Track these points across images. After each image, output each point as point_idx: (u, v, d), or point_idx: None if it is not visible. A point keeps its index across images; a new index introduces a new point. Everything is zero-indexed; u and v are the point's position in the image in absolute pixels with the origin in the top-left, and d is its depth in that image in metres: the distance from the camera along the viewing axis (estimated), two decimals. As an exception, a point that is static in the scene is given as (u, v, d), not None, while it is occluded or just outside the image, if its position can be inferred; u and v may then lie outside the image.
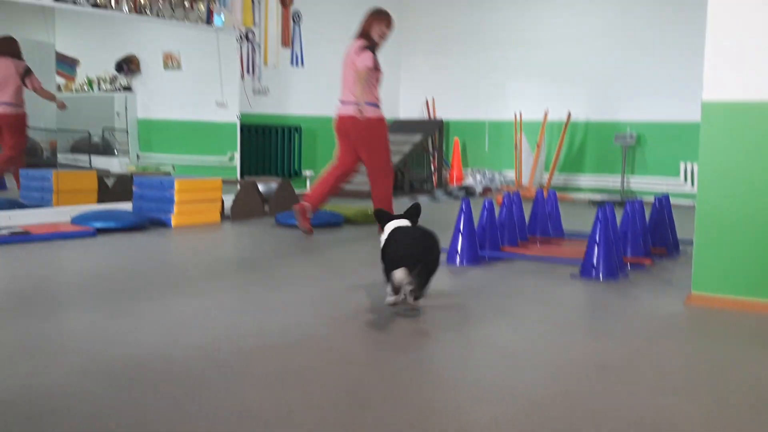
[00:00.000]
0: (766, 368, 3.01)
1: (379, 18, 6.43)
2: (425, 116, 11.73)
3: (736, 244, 3.98)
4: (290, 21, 10.00)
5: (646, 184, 10.04)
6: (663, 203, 5.70)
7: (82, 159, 8.29)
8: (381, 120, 6.39)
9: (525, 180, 10.40)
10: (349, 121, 6.28)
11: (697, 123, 4.12)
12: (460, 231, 5.15)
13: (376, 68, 6.28)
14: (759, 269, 3.93)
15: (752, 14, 3.87)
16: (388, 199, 6.36)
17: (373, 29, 6.38)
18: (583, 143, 10.54)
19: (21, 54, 7.47)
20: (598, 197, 10.04)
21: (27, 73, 7.49)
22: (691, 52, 8.85)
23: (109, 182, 8.05)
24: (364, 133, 6.30)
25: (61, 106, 7.75)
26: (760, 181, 3.90)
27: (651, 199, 5.98)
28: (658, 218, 5.65)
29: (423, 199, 9.92)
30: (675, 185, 9.82)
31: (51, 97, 7.66)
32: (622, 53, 10.15)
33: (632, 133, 9.96)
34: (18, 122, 7.65)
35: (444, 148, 11.53)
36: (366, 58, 6.20)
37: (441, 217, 8.07)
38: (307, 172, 10.27)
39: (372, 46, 6.35)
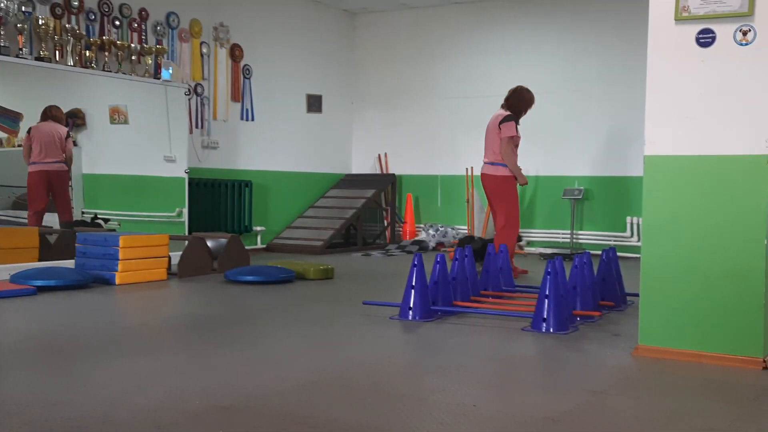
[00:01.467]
0: (712, 419, 3.02)
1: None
2: (378, 171, 11.78)
3: (681, 296, 4.03)
4: (240, 75, 10.02)
5: (594, 238, 10.17)
6: (610, 256, 5.76)
7: (24, 215, 8.13)
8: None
9: (477, 234, 10.46)
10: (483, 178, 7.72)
11: (641, 177, 4.20)
12: (412, 286, 5.13)
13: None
14: (704, 321, 3.97)
15: (690, 73, 3.98)
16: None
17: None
18: (533, 197, 10.66)
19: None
20: (548, 251, 10.13)
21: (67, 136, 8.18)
22: (635, 108, 9.06)
23: (51, 239, 7.89)
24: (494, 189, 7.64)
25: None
26: (702, 233, 3.98)
27: (599, 252, 6.05)
28: (605, 271, 5.70)
29: (376, 254, 9.90)
30: (622, 239, 9.96)
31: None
32: (569, 108, 10.35)
33: (580, 187, 10.12)
34: None
35: (397, 202, 11.57)
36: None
37: (394, 271, 8.06)
38: (257, 228, 10.20)
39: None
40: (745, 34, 3.84)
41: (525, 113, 7.63)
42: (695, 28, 3.94)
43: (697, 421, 3.01)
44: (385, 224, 11.44)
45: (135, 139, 8.88)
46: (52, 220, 8.39)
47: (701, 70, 3.94)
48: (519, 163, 7.61)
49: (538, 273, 6.98)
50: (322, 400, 3.23)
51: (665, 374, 3.78)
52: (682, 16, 3.95)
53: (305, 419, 2.96)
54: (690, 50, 3.96)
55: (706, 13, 3.90)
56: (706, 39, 3.93)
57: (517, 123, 7.44)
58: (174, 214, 8.66)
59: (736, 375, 3.73)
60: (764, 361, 3.86)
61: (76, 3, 7.82)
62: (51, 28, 7.43)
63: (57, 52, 7.51)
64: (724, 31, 3.88)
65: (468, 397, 3.31)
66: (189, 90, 8.90)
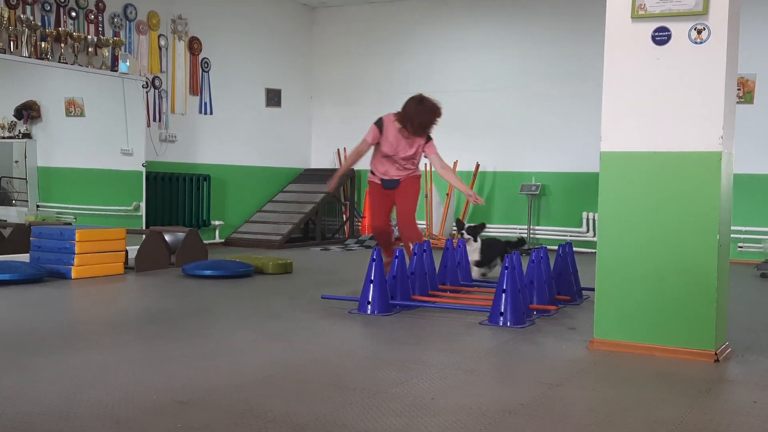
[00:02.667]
0: (665, 410, 3.08)
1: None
2: (337, 165, 11.76)
3: (635, 290, 4.10)
4: (199, 68, 9.94)
5: (550, 233, 10.28)
6: (566, 251, 5.84)
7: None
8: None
9: (435, 229, 10.51)
10: None
11: (597, 173, 4.25)
12: (371, 280, 5.15)
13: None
14: (657, 315, 4.05)
15: (645, 70, 4.04)
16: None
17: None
18: (491, 193, 10.74)
19: None
20: (505, 245, 10.20)
21: None
22: (591, 105, 9.17)
23: (6, 233, 7.75)
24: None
25: None
26: (657, 229, 4.04)
27: (555, 247, 6.12)
28: (561, 266, 5.78)
29: (335, 249, 9.89)
30: (578, 234, 10.08)
31: None
32: (526, 105, 10.44)
33: (537, 183, 10.21)
34: None
35: (356, 197, 11.56)
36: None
37: (353, 266, 8.07)
38: (216, 222, 10.13)
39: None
40: (699, 32, 3.91)
41: (413, 125, 6.16)
42: (651, 26, 4.00)
43: (650, 412, 3.07)
44: (344, 219, 11.44)
45: (91, 132, 8.75)
46: (4, 213, 8.25)
47: (657, 67, 4.01)
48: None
49: (496, 267, 7.05)
50: (280, 394, 3.23)
51: (620, 367, 3.84)
52: (638, 14, 4.01)
53: (262, 413, 2.95)
54: (646, 48, 4.02)
55: (662, 12, 3.96)
56: (661, 37, 3.99)
57: (380, 128, 6.28)
58: (131, 207, 8.57)
59: (688, 367, 3.80)
60: (715, 354, 3.94)
61: (30, -7, 7.70)
62: (5, 19, 7.30)
63: (11, 43, 7.39)
64: (679, 30, 3.95)
65: (425, 390, 3.33)
66: (146, 83, 8.80)
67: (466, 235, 6.97)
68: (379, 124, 6.35)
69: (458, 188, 6.39)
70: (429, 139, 6.32)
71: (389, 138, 6.26)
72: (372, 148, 6.46)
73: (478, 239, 7.05)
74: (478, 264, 6.98)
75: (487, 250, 7.07)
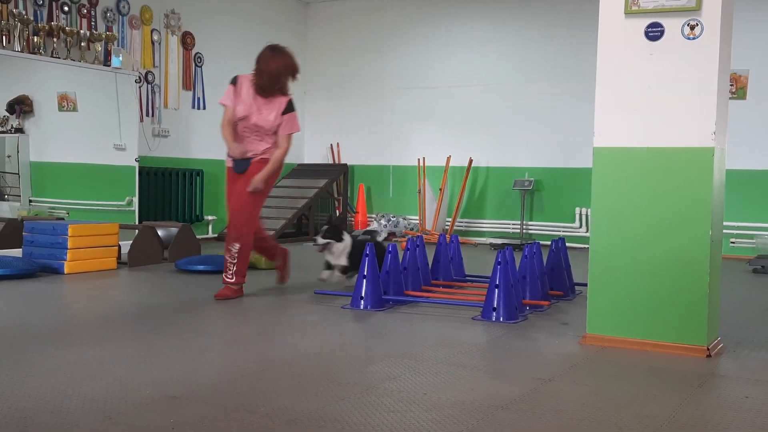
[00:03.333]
0: (657, 405, 3.09)
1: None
2: (330, 161, 11.76)
3: (628, 286, 4.10)
4: (192, 63, 9.91)
5: (543, 229, 10.29)
6: (559, 246, 5.85)
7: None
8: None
9: (428, 224, 10.51)
10: None
11: (590, 169, 4.26)
12: (364, 275, 5.15)
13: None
14: (650, 310, 4.06)
15: (639, 66, 4.04)
16: None
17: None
18: (484, 188, 10.74)
19: None
20: (498, 241, 10.22)
21: None
22: (584, 101, 9.18)
23: (-1, 227, 7.72)
24: None
25: None
26: (649, 224, 4.05)
27: (548, 242, 6.13)
28: (554, 261, 5.78)
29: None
30: (570, 229, 10.09)
31: None
32: (519, 100, 10.44)
33: (530, 178, 10.22)
34: None
35: (349, 192, 11.56)
36: None
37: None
38: (209, 217, 10.11)
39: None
40: (692, 28, 3.92)
41: (263, 77, 5.42)
42: (644, 22, 4.01)
43: (643, 407, 3.08)
44: (337, 214, 11.43)
45: (84, 126, 8.73)
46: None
47: (650, 63, 4.01)
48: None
49: (488, 262, 7.05)
50: (272, 389, 3.23)
51: (612, 362, 3.85)
52: (631, 10, 4.02)
53: (255, 407, 2.95)
54: (639, 44, 4.02)
55: (655, 7, 3.97)
56: (655, 33, 3.99)
57: (235, 85, 5.48)
58: (124, 202, 8.54)
59: (680, 363, 3.81)
60: (708, 350, 3.96)
61: (22, -13, 7.67)
62: (-3, 13, 7.27)
63: (4, 38, 7.35)
64: (672, 25, 3.96)
65: (418, 385, 3.33)
66: (139, 78, 8.77)
67: (321, 240, 5.63)
68: (234, 81, 5.49)
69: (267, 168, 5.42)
70: (291, 109, 5.49)
71: (243, 96, 5.41)
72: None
73: (346, 237, 5.73)
74: (344, 271, 5.70)
75: (358, 252, 5.55)
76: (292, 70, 5.48)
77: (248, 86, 5.43)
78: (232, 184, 5.51)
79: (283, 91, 5.50)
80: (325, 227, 5.71)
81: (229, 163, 5.53)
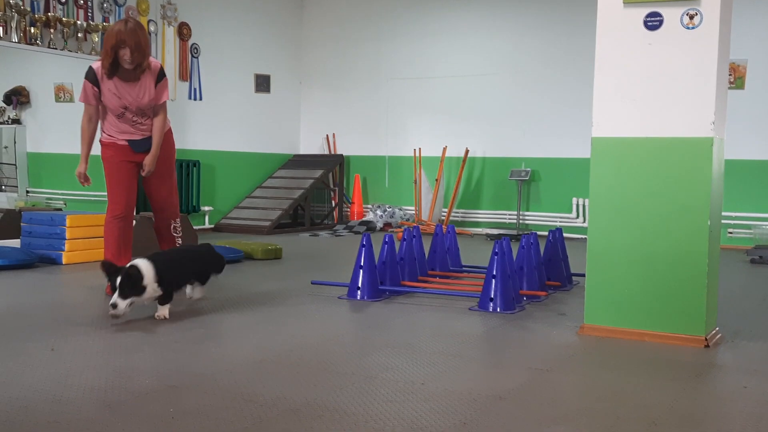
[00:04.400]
0: (655, 395, 3.10)
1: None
2: (326, 151, 11.75)
3: (626, 276, 4.11)
4: (188, 54, 9.89)
5: (540, 219, 10.30)
6: (556, 236, 5.85)
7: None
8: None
9: (425, 215, 10.52)
10: None
11: (587, 159, 4.26)
12: (360, 266, 5.15)
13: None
14: (648, 301, 4.06)
15: (637, 56, 4.04)
16: None
17: None
18: (480, 179, 10.74)
19: None
20: (495, 232, 10.23)
21: None
22: (582, 91, 9.17)
23: (-4, 218, 7.71)
24: None
25: None
26: (647, 215, 4.06)
27: (545, 233, 6.13)
28: (552, 252, 5.79)
29: (324, 235, 9.89)
30: (568, 220, 10.10)
31: None
32: (515, 91, 10.43)
33: (527, 168, 10.22)
34: None
35: (345, 183, 11.55)
36: None
37: (342, 252, 8.07)
38: (205, 208, 10.11)
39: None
40: (691, 17, 3.92)
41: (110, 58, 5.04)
42: (643, 12, 4.00)
43: (641, 397, 3.08)
44: (333, 205, 11.43)
45: (81, 117, 8.67)
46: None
47: (649, 53, 4.01)
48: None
49: (485, 253, 7.05)
50: (271, 379, 3.24)
51: (610, 352, 3.85)
52: (630, 0, 4.01)
53: (253, 397, 2.96)
54: (638, 33, 4.02)
55: (653, -2, 3.96)
56: (653, 22, 3.99)
57: (92, 80, 5.15)
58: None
59: (678, 353, 3.82)
60: (706, 340, 3.97)
61: (18, -24, 7.63)
62: (-7, 3, 7.25)
63: (1, 29, 7.32)
64: (671, 15, 3.95)
65: (416, 375, 3.34)
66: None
67: (122, 306, 4.14)
68: (90, 75, 5.08)
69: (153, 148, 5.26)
70: (162, 76, 5.19)
71: (109, 87, 5.06)
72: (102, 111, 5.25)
73: (146, 278, 4.24)
74: (165, 300, 4.42)
75: (169, 275, 4.43)
76: (140, 35, 5.06)
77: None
78: (126, 165, 5.27)
79: (158, 71, 5.28)
80: (119, 279, 4.18)
81: (121, 141, 5.26)
